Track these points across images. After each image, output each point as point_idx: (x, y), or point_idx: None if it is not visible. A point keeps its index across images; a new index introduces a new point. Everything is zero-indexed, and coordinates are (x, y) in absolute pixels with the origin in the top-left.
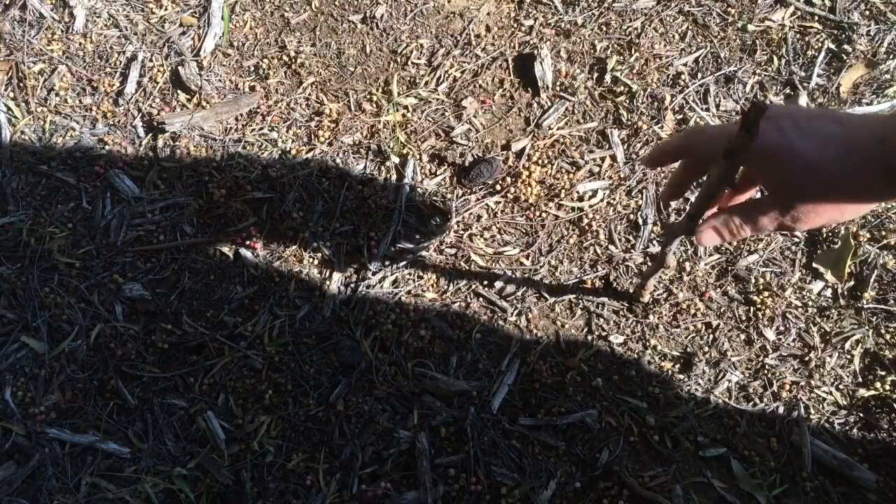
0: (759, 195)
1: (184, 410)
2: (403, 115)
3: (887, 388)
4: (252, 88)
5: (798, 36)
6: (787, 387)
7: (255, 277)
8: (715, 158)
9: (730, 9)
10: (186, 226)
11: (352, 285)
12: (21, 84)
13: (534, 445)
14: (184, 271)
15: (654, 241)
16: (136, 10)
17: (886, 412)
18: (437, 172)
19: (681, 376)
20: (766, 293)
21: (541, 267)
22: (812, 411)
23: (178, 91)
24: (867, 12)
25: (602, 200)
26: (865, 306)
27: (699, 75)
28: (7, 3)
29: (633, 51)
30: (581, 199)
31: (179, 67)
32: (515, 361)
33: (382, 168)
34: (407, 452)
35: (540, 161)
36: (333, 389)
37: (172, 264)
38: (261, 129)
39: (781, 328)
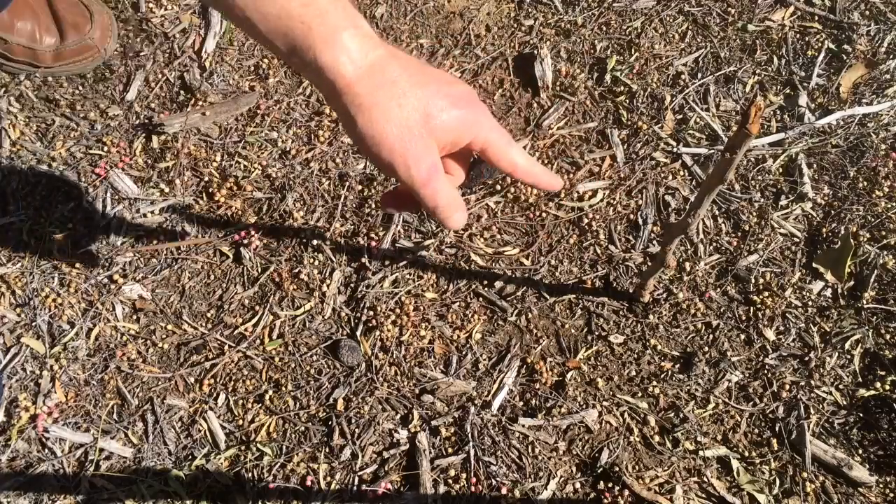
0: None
1: (184, 410)
2: None
3: (887, 388)
4: (252, 88)
5: (798, 36)
6: (787, 387)
7: (255, 277)
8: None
9: (730, 9)
10: (186, 226)
11: (352, 285)
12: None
13: (534, 445)
14: (184, 271)
15: (654, 241)
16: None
17: (886, 412)
18: None
19: (681, 376)
20: (766, 293)
21: (541, 267)
22: (812, 411)
23: (179, 91)
24: (867, 12)
25: (602, 200)
26: (865, 306)
27: (699, 75)
28: None
29: (633, 51)
30: (581, 199)
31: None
32: (515, 361)
33: None
34: (407, 452)
35: (540, 161)
36: (333, 389)
37: (172, 264)
38: (261, 129)
39: (781, 328)
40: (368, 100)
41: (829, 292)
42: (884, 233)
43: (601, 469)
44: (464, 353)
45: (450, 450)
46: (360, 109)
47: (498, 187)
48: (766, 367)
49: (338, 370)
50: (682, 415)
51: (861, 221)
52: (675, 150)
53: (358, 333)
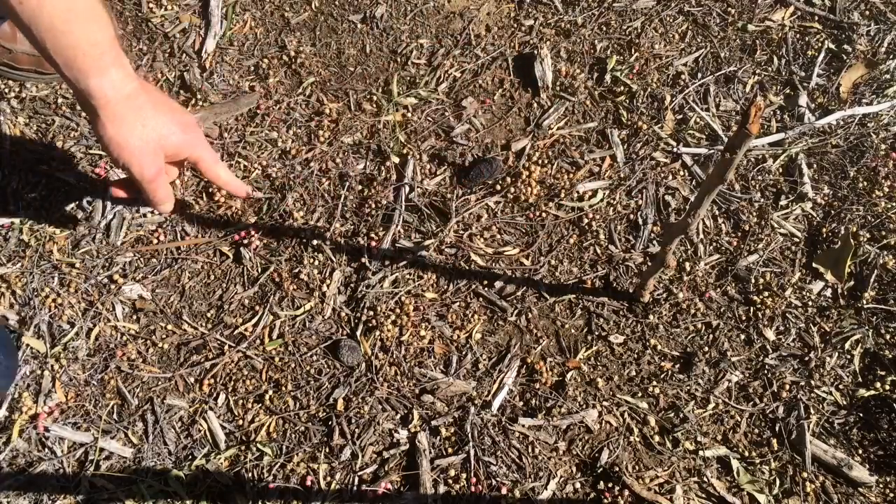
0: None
1: (184, 410)
2: (403, 115)
3: (887, 388)
4: (252, 88)
5: (798, 36)
6: (787, 387)
7: (255, 277)
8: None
9: (730, 9)
10: (186, 226)
11: (352, 285)
12: (21, 83)
13: (534, 445)
14: (184, 271)
15: (654, 241)
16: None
17: (886, 412)
18: (437, 172)
19: (681, 376)
20: (766, 293)
21: (541, 267)
22: (812, 411)
23: (179, 90)
24: (867, 12)
25: (602, 200)
26: (865, 306)
27: (699, 75)
28: None
29: (633, 51)
30: (581, 199)
31: (179, 67)
32: (515, 361)
33: (382, 168)
34: (407, 452)
35: (540, 161)
36: (333, 389)
37: (172, 264)
38: (261, 129)
39: (781, 328)
40: (120, 117)
41: (829, 292)
42: (884, 233)
43: (601, 469)
44: (464, 353)
45: (450, 450)
46: (112, 123)
47: (498, 187)
48: (766, 367)
49: (338, 370)
50: (682, 415)
51: (861, 221)
52: (675, 150)
53: (358, 333)
